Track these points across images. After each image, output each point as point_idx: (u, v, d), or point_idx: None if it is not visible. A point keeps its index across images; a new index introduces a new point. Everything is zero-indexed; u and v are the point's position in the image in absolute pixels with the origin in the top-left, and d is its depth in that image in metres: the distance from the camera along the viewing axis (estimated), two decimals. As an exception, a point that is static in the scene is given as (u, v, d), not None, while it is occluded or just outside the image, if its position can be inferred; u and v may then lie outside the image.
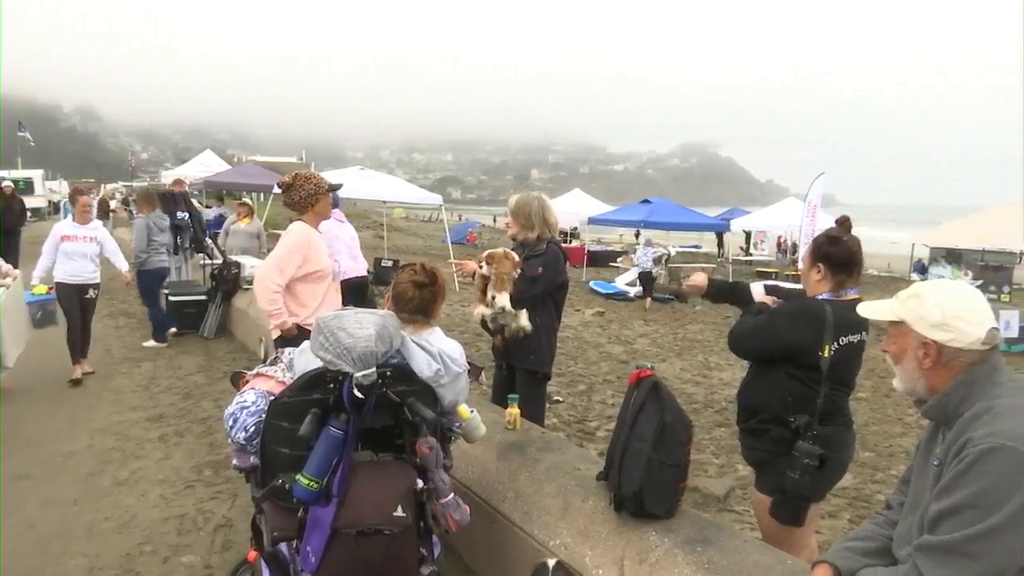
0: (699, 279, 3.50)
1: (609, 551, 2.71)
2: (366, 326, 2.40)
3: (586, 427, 6.76)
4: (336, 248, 9.00)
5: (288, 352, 2.96)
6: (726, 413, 7.32)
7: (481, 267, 4.17)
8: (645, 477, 2.60)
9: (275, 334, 4.37)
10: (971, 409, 1.77)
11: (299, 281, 4.38)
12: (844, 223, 3.20)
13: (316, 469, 2.30)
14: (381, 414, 2.49)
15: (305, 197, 4.41)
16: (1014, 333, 13.14)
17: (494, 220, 54.04)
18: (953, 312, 1.82)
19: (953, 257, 14.82)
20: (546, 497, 3.12)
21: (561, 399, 7.64)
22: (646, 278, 16.85)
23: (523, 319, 4.19)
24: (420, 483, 2.51)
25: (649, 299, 16.49)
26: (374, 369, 2.38)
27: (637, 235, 27.91)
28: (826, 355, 2.88)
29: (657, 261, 17.40)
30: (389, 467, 2.49)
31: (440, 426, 2.66)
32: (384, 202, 21.71)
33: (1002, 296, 14.31)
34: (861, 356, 3.05)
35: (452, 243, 20.90)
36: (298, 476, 2.31)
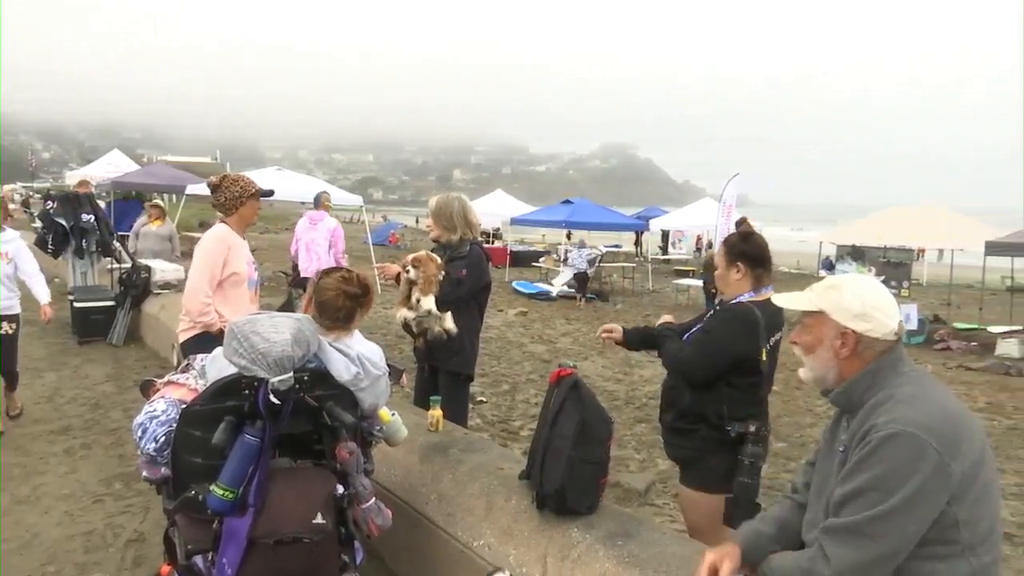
0: (615, 332, 3.39)
1: (532, 549, 2.73)
2: (282, 330, 2.35)
3: (510, 427, 6.79)
4: (312, 251, 9.51)
5: (200, 359, 2.87)
6: (647, 409, 7.47)
7: (407, 271, 4.13)
8: (566, 475, 2.63)
9: (183, 338, 4.23)
10: (874, 397, 1.86)
11: (219, 284, 4.26)
12: (743, 224, 3.28)
13: (231, 478, 2.23)
14: (299, 420, 2.44)
15: (231, 199, 4.28)
16: (913, 326, 13.86)
17: (416, 221, 53.64)
18: (872, 304, 1.91)
19: (857, 254, 15.51)
20: (469, 498, 3.12)
21: (485, 400, 7.65)
22: (580, 278, 17.40)
23: (447, 321, 4.17)
24: (340, 489, 2.48)
25: (583, 299, 16.97)
26: (291, 374, 2.33)
27: (569, 236, 28.58)
28: (764, 358, 2.97)
29: (591, 262, 18.02)
30: (308, 474, 2.44)
31: (360, 430, 2.63)
32: (303, 203, 21.27)
33: (902, 291, 15.05)
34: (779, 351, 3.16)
35: (374, 244, 20.64)
36: (212, 486, 2.24)
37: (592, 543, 2.59)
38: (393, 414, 2.87)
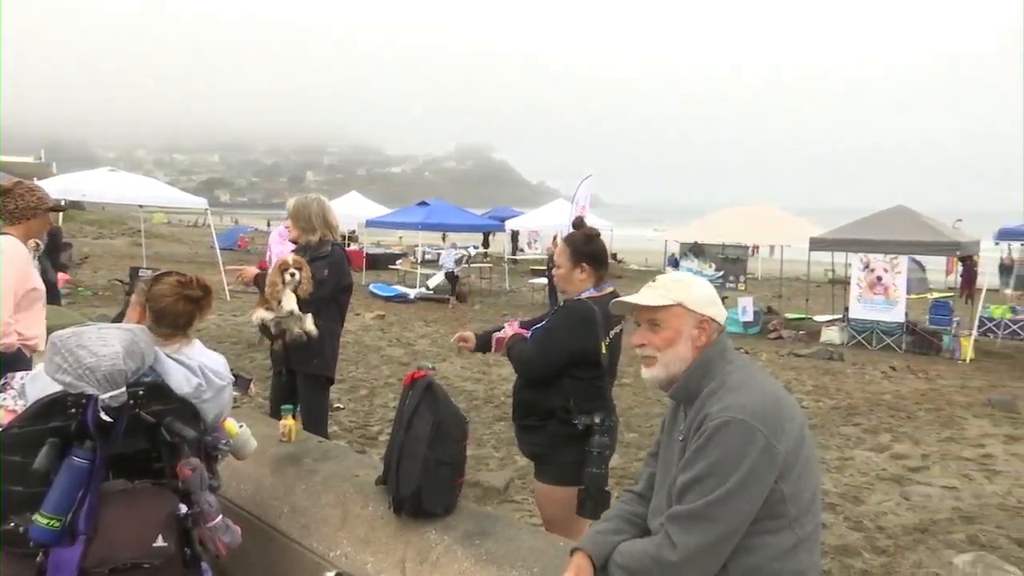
0: (468, 341, 3.43)
1: (390, 555, 2.70)
2: (111, 343, 2.19)
3: (368, 432, 6.69)
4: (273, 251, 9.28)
5: (20, 376, 2.63)
6: (505, 407, 7.58)
7: (294, 275, 4.01)
8: (422, 477, 2.62)
9: None
10: (707, 387, 1.98)
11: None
12: (580, 225, 3.38)
13: (56, 506, 2.05)
14: (134, 438, 2.28)
15: (23, 208, 3.84)
16: (750, 317, 14.88)
17: (268, 224, 51.69)
18: (711, 294, 2.05)
19: (699, 251, 16.45)
20: (324, 508, 3.04)
21: (342, 406, 7.49)
22: (450, 278, 17.92)
23: (308, 323, 4.10)
24: (183, 508, 2.34)
25: (453, 299, 17.34)
26: (124, 389, 2.18)
27: (444, 238, 29.31)
28: (604, 352, 3.08)
29: (458, 262, 18.48)
30: (145, 494, 2.29)
31: (204, 444, 2.50)
32: (141, 206, 19.98)
33: (739, 285, 16.14)
34: (621, 344, 3.30)
35: (221, 249, 19.70)
36: (35, 516, 2.05)
37: (450, 544, 2.59)
38: (241, 426, 2.76)
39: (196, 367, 2.44)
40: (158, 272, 2.74)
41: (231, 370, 2.72)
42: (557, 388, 3.07)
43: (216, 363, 2.57)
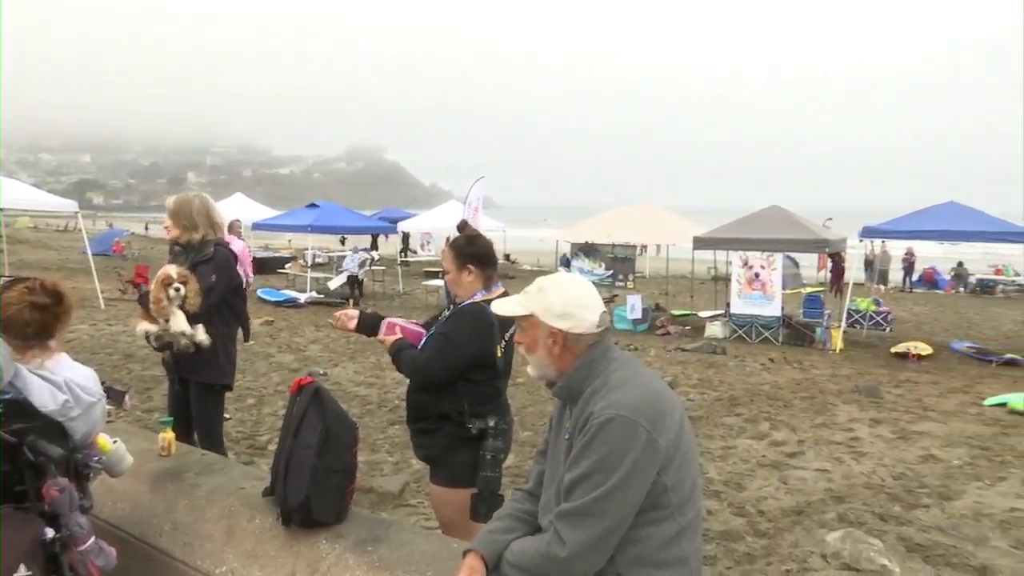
0: (351, 314, 3.38)
1: (279, 568, 2.62)
2: (-38, 359, 2.03)
3: (257, 442, 6.49)
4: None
5: None
6: (400, 411, 7.48)
7: (179, 290, 3.79)
8: (311, 485, 2.56)
9: None
10: (591, 385, 2.03)
11: None
12: (463, 228, 3.37)
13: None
14: (-7, 459, 2.13)
15: None
16: (639, 315, 15.33)
17: (146, 228, 49.24)
18: (572, 302, 2.06)
19: (589, 251, 16.81)
20: (208, 523, 2.92)
21: (229, 416, 7.19)
22: (353, 281, 18.00)
23: (200, 334, 3.91)
24: (51, 532, 2.20)
25: (354, 300, 17.39)
26: (-21, 408, 2.03)
27: (343, 241, 29.12)
28: (500, 355, 3.09)
29: (362, 265, 18.41)
30: (6, 521, 2.13)
31: (74, 463, 2.36)
32: (2, 210, 18.58)
33: (628, 284, 16.60)
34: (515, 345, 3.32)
35: (94, 254, 18.61)
36: None
37: (342, 552, 2.55)
38: (115, 441, 2.61)
39: (62, 382, 2.29)
40: (11, 279, 2.55)
41: (104, 383, 2.58)
42: (451, 391, 3.06)
43: (85, 378, 2.42)
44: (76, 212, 17.68)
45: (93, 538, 2.31)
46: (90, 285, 15.19)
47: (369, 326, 3.35)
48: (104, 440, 2.55)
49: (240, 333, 4.54)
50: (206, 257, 4.05)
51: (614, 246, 16.57)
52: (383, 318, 3.38)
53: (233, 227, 12.18)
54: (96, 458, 2.51)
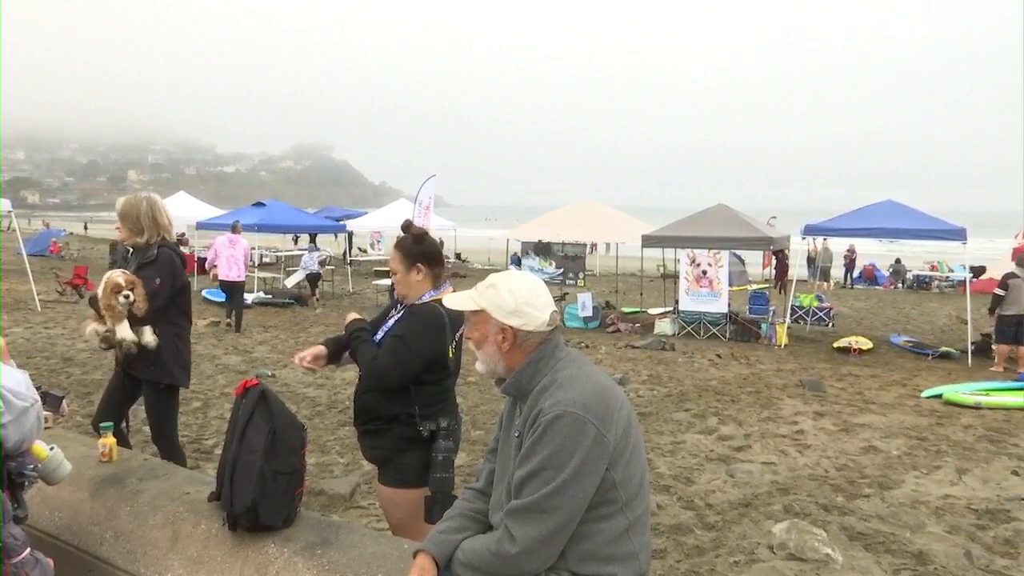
0: (318, 353, 3.20)
1: (226, 573, 2.57)
2: None
3: (203, 446, 6.35)
4: (233, 263, 13.07)
5: None
6: (349, 412, 7.36)
7: (128, 296, 3.84)
8: (258, 489, 2.52)
9: None
10: (540, 383, 2.04)
11: None
12: (408, 228, 3.34)
13: None
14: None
15: None
16: (589, 312, 15.45)
17: (85, 227, 47.78)
18: (524, 299, 2.07)
19: (540, 249, 16.88)
20: (152, 530, 2.85)
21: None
22: (313, 278, 18.37)
23: (147, 336, 3.95)
24: (-18, 544, 2.11)
25: (316, 297, 18.09)
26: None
27: (296, 240, 28.81)
28: (451, 355, 3.07)
29: (322, 263, 19.07)
30: (-66, 533, 2.05)
31: (6, 472, 2.27)
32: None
33: (579, 282, 16.72)
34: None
35: (30, 255, 17.99)
36: None
37: (290, 556, 2.51)
38: (52, 448, 2.52)
39: (-8, 387, 2.20)
40: None
41: (40, 388, 2.49)
42: (400, 393, 3.03)
43: (16, 382, 2.33)
44: (10, 211, 17.04)
45: (28, 550, 2.23)
46: (26, 287, 14.68)
47: (336, 353, 3.25)
48: (40, 447, 2.46)
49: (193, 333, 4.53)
50: (149, 259, 4.08)
51: (564, 244, 16.67)
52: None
53: (236, 227, 13.72)
54: (31, 466, 2.42)
